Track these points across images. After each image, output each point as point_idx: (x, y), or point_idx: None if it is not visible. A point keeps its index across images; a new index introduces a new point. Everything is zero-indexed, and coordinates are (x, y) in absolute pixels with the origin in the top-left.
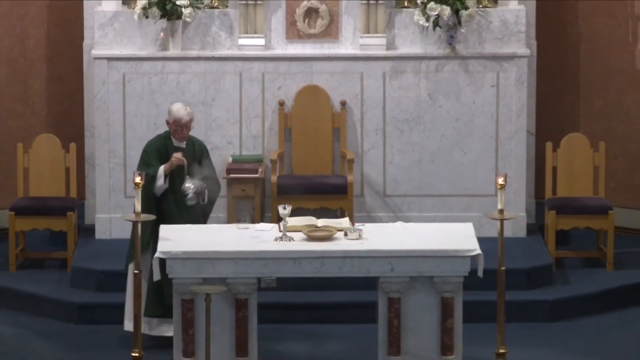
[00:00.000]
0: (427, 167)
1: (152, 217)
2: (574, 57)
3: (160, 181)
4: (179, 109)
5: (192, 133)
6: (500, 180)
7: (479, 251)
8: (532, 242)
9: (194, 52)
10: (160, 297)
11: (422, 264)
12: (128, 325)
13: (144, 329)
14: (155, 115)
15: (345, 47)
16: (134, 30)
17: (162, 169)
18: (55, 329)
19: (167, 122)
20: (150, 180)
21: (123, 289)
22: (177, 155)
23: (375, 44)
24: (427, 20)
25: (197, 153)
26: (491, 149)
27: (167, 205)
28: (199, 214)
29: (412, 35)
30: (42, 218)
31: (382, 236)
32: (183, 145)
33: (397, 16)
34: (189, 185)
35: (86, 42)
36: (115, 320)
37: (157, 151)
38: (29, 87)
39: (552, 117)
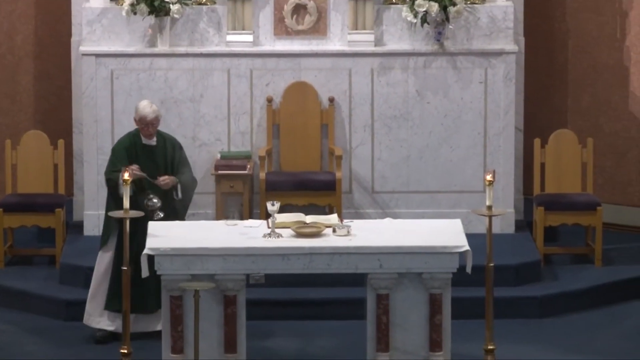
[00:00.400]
0: (415, 164)
1: (140, 213)
2: (561, 53)
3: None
4: (145, 107)
5: (178, 128)
6: (489, 177)
7: (467, 247)
8: (520, 239)
9: (182, 49)
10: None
11: (411, 260)
12: (87, 319)
13: (102, 324)
14: None
15: (334, 43)
16: (122, 26)
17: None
18: (44, 326)
19: (135, 120)
20: (114, 185)
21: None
22: (134, 169)
23: (363, 40)
24: (415, 16)
25: (169, 149)
26: (479, 145)
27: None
28: (175, 211)
29: (400, 32)
30: (30, 215)
31: (370, 232)
32: (153, 142)
33: (385, 12)
34: (155, 202)
35: (74, 39)
36: None
37: (125, 150)
38: (16, 84)
39: (540, 113)
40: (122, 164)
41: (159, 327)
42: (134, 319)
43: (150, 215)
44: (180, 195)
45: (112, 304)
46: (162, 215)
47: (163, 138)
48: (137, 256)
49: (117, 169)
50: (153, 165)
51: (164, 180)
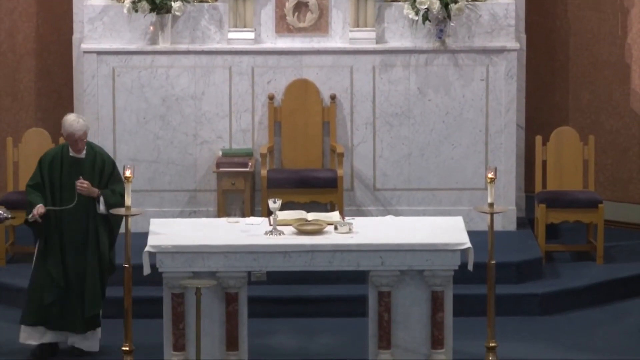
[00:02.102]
0: (416, 161)
1: (142, 210)
2: (563, 50)
3: (28, 216)
4: (72, 123)
5: (180, 126)
6: (490, 174)
7: (469, 245)
8: (522, 236)
9: (183, 46)
10: (38, 304)
11: (412, 257)
12: (23, 337)
13: (24, 338)
14: (145, 109)
15: (335, 41)
16: (123, 24)
17: (38, 208)
18: None
19: (62, 135)
20: (27, 203)
21: (112, 283)
22: (36, 211)
23: (364, 37)
24: (417, 14)
25: (98, 162)
26: (481, 142)
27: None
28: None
29: (401, 29)
30: None
31: (372, 230)
32: (82, 155)
33: (387, 10)
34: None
35: (75, 36)
36: (105, 314)
37: (51, 162)
38: (18, 82)
39: (541, 110)
40: (41, 180)
41: (94, 349)
42: (54, 333)
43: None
44: (102, 208)
45: (28, 317)
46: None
47: (94, 151)
48: (72, 264)
49: (35, 182)
50: (79, 178)
51: (82, 183)
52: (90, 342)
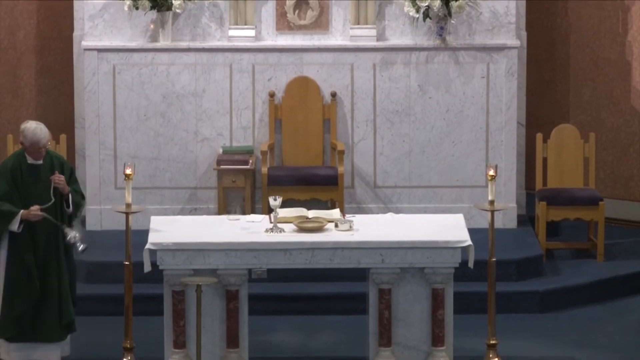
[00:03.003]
0: (417, 159)
1: (142, 208)
2: (563, 48)
3: (15, 227)
4: (35, 131)
5: (180, 123)
6: (491, 172)
7: (469, 242)
8: (522, 233)
9: (184, 44)
10: (15, 314)
11: (413, 255)
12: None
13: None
14: (145, 106)
15: (336, 38)
16: (123, 21)
17: (21, 214)
18: None
19: (22, 144)
20: (1, 216)
21: (113, 280)
22: (36, 212)
23: (365, 35)
24: (417, 11)
25: (57, 167)
26: (481, 140)
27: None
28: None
29: (402, 27)
30: None
31: (372, 227)
32: (39, 161)
33: (387, 7)
34: (74, 234)
35: (76, 34)
36: (106, 311)
37: (10, 173)
38: (18, 79)
39: (542, 108)
40: (7, 187)
41: (67, 352)
42: (29, 347)
43: (74, 252)
44: (71, 208)
45: (4, 330)
46: (86, 247)
47: (50, 156)
48: (43, 270)
49: (3, 193)
50: (40, 185)
51: (59, 177)
52: (58, 348)
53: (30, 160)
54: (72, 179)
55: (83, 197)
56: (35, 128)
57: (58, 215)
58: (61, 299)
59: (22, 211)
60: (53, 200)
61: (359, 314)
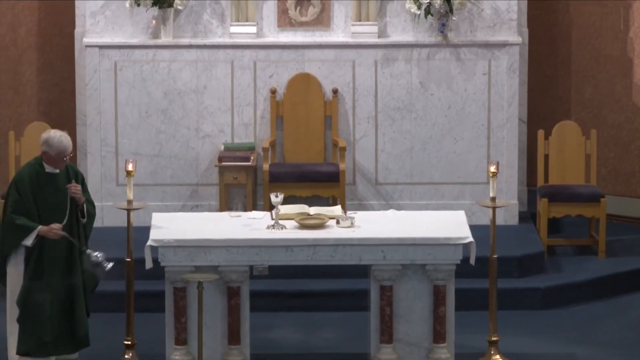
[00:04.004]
0: (418, 155)
1: (144, 204)
2: (565, 44)
3: (29, 242)
4: (62, 141)
5: (182, 120)
6: (492, 168)
7: (471, 239)
8: (524, 230)
9: (185, 40)
10: (35, 329)
11: (414, 251)
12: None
13: None
14: (147, 103)
15: (337, 35)
16: (125, 18)
17: (38, 230)
18: None
19: (46, 153)
20: (16, 230)
21: (116, 277)
22: (57, 230)
23: (366, 32)
24: (419, 8)
25: (72, 176)
26: (483, 136)
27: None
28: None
29: (403, 23)
30: None
31: (374, 224)
32: (57, 171)
33: (389, 4)
34: (96, 254)
35: (77, 30)
36: (109, 308)
37: (29, 183)
38: (20, 75)
39: (543, 104)
40: (19, 196)
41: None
42: None
43: (100, 272)
44: (85, 218)
45: (22, 345)
46: (112, 263)
47: (66, 166)
48: (59, 285)
49: (17, 207)
50: (59, 193)
51: (76, 186)
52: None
53: (48, 169)
54: (84, 187)
55: (94, 206)
56: (60, 136)
57: (74, 226)
58: (76, 313)
59: (40, 227)
60: (68, 211)
61: (361, 311)
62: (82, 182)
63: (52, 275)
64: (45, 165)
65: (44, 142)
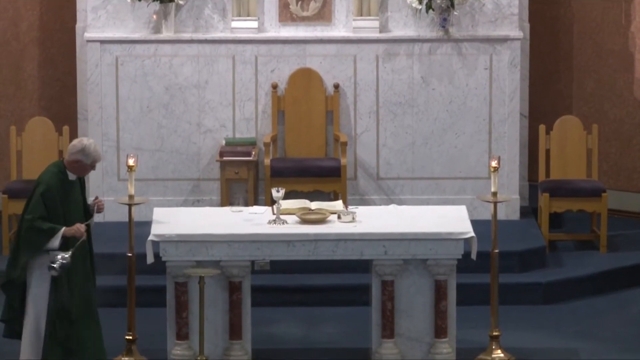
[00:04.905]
0: (420, 150)
1: (145, 199)
2: (566, 39)
3: (57, 243)
4: (97, 150)
5: (183, 114)
6: (494, 163)
7: (472, 234)
8: (525, 225)
9: (186, 35)
10: (59, 337)
11: (416, 246)
12: None
13: None
14: (148, 98)
15: (338, 29)
16: (126, 13)
17: (63, 231)
18: None
19: (79, 162)
20: (42, 233)
21: (117, 272)
22: (81, 230)
23: (368, 26)
24: (421, 2)
25: (83, 181)
26: (484, 131)
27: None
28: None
29: (405, 18)
30: None
31: (375, 219)
32: (75, 178)
33: None
34: (60, 257)
35: (79, 25)
36: (111, 302)
37: (57, 195)
38: (21, 70)
39: (545, 99)
40: (56, 217)
41: None
42: None
43: (50, 269)
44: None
45: (49, 353)
46: (58, 273)
47: None
48: (83, 291)
49: (41, 215)
50: (79, 199)
51: (100, 201)
52: None
53: (71, 177)
54: (82, 187)
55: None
56: (95, 145)
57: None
58: (91, 321)
59: (64, 228)
60: (93, 218)
61: (362, 306)
62: (83, 182)
63: (76, 281)
64: (68, 172)
65: (78, 151)
